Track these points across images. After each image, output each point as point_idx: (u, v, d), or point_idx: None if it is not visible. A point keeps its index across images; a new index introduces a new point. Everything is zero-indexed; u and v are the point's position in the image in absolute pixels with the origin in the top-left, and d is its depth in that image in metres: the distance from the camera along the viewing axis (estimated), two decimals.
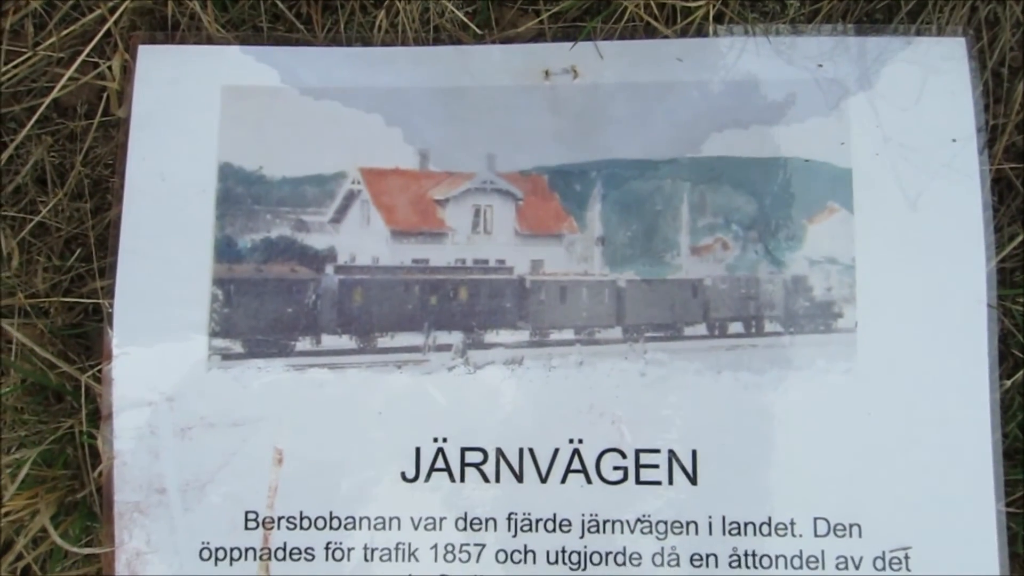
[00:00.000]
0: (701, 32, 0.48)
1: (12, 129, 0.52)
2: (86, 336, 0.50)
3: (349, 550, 0.45)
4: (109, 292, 0.47)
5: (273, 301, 0.46)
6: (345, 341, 0.46)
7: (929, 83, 0.46)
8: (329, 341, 0.46)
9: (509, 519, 0.45)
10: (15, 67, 0.51)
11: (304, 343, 0.46)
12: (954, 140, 0.46)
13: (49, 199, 0.49)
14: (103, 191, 0.51)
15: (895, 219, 0.46)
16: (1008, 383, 0.46)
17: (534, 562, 0.45)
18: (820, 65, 0.47)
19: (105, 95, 0.50)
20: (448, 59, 0.48)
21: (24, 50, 0.50)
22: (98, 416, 0.47)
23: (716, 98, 0.47)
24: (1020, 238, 0.47)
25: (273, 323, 0.46)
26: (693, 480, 0.45)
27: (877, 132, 0.46)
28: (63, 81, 0.50)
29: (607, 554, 0.45)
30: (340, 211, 0.47)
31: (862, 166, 0.46)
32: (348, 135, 0.47)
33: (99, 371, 0.47)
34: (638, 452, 0.45)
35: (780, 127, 0.46)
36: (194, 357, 0.46)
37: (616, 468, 0.45)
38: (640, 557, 0.45)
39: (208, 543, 0.45)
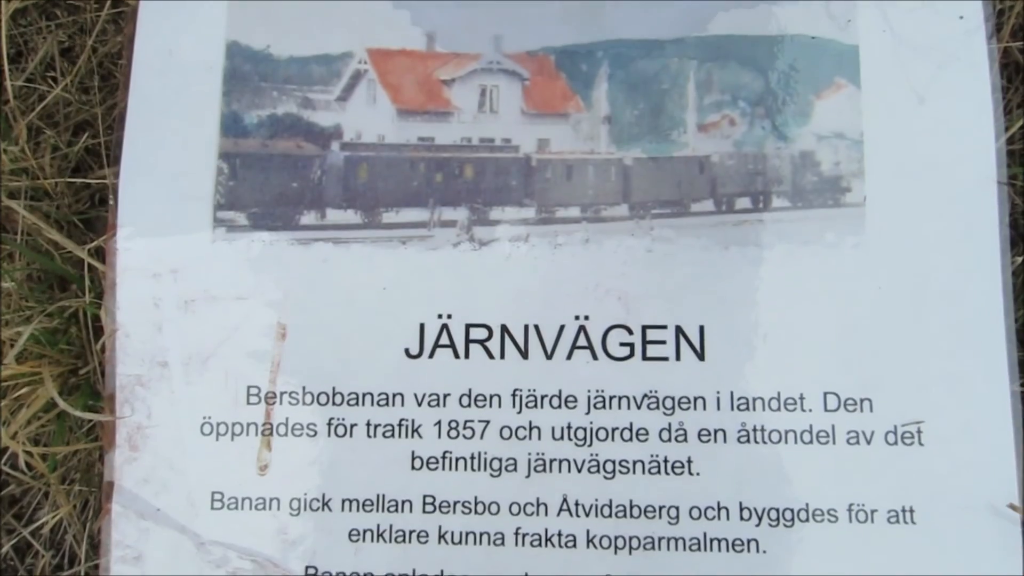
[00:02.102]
0: None
1: (22, 25, 0.53)
2: (91, 225, 0.50)
3: (352, 426, 0.45)
4: (115, 176, 0.47)
5: (278, 175, 0.46)
6: (350, 215, 0.46)
7: None
8: (334, 215, 0.46)
9: (514, 395, 0.45)
10: None
11: (309, 217, 0.46)
12: (961, 17, 0.46)
13: (57, 84, 0.50)
14: (112, 86, 0.52)
15: (903, 95, 0.45)
16: (1020, 260, 0.46)
17: (539, 438, 0.44)
18: None
19: None
20: None
21: None
22: (102, 295, 0.46)
23: None
24: None
25: (278, 197, 0.46)
26: (700, 356, 0.44)
27: (884, 8, 0.46)
28: None
29: (613, 430, 0.44)
30: (347, 90, 0.47)
31: (869, 43, 0.46)
32: (356, 16, 0.47)
33: (102, 248, 0.47)
34: (645, 328, 0.45)
35: (786, 4, 0.46)
36: (199, 229, 0.46)
37: (623, 344, 0.45)
38: (647, 433, 0.44)
39: (209, 417, 0.45)
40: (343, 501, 0.44)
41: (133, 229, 0.46)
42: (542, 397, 0.45)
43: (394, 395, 0.45)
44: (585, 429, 0.44)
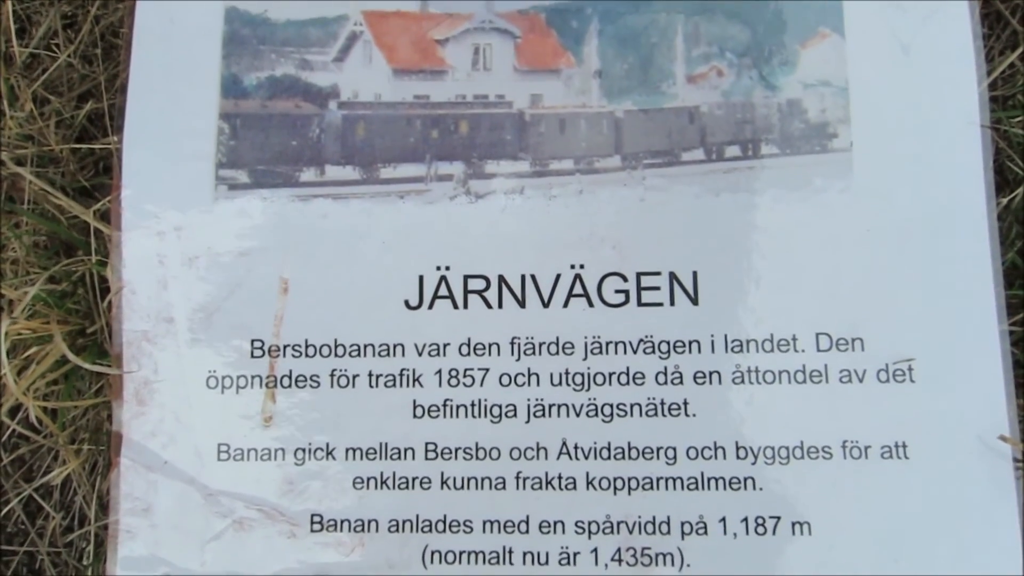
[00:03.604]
0: None
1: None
2: (96, 192, 0.51)
3: (354, 377, 0.46)
4: (119, 142, 0.48)
5: (278, 134, 0.47)
6: (349, 172, 0.47)
7: None
8: (333, 172, 0.47)
9: (512, 343, 0.46)
10: None
11: (308, 174, 0.47)
12: None
13: (62, 51, 0.51)
14: (114, 57, 0.53)
15: (886, 43, 0.46)
16: (1004, 200, 0.47)
17: (537, 384, 0.45)
18: None
19: None
20: None
21: None
22: (108, 256, 0.48)
23: None
24: (1012, 57, 0.48)
25: (278, 155, 0.47)
26: (694, 300, 0.45)
27: None
28: None
29: (610, 374, 0.45)
30: (343, 51, 0.48)
31: None
32: None
33: (107, 212, 0.48)
34: (639, 275, 0.46)
35: None
36: (201, 187, 0.47)
37: (618, 291, 0.46)
38: (644, 376, 0.45)
39: (215, 371, 0.46)
40: (347, 450, 0.45)
41: (137, 189, 0.47)
42: (540, 344, 0.45)
43: (395, 346, 0.46)
44: (583, 374, 0.45)
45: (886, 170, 0.46)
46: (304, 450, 0.45)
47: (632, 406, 0.44)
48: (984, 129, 0.46)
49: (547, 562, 0.44)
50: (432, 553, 0.44)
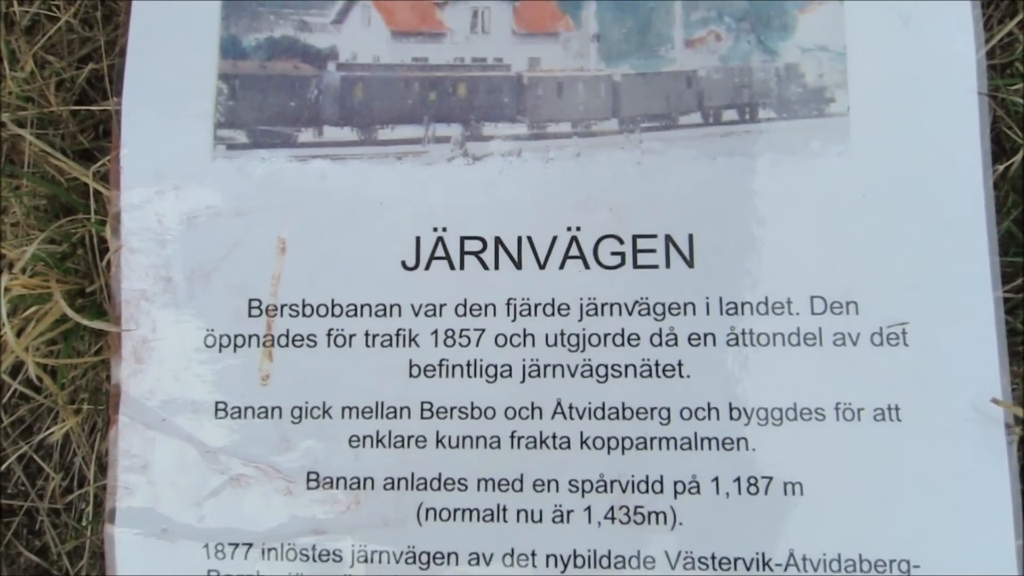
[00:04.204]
0: None
1: None
2: (95, 155, 0.52)
3: (351, 336, 0.46)
4: (118, 104, 0.48)
5: (277, 95, 0.47)
6: (347, 133, 0.47)
7: None
8: (331, 133, 0.47)
9: (508, 304, 0.46)
10: None
11: (307, 134, 0.47)
12: None
13: (62, 14, 0.51)
14: (114, 21, 0.53)
15: (885, 9, 0.46)
16: (1000, 168, 0.47)
17: (533, 345, 0.45)
18: None
19: None
20: None
21: None
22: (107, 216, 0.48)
23: None
24: (1010, 25, 0.48)
25: (277, 115, 0.47)
26: (690, 263, 0.45)
27: None
28: None
29: (605, 336, 0.45)
30: (341, 13, 0.48)
31: None
32: None
33: (107, 174, 0.48)
34: (635, 237, 0.46)
35: None
36: (200, 147, 0.47)
37: (614, 253, 0.46)
38: (639, 337, 0.45)
39: (212, 330, 0.46)
40: (343, 409, 0.45)
41: (136, 149, 0.47)
42: (536, 305, 0.46)
43: (391, 306, 0.46)
44: (578, 335, 0.45)
45: (883, 135, 0.46)
46: (301, 409, 0.45)
47: (626, 367, 0.45)
48: (982, 96, 0.46)
49: (541, 520, 0.44)
50: (427, 510, 0.44)
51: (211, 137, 0.47)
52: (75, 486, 0.52)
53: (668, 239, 0.46)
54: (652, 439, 0.44)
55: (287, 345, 0.46)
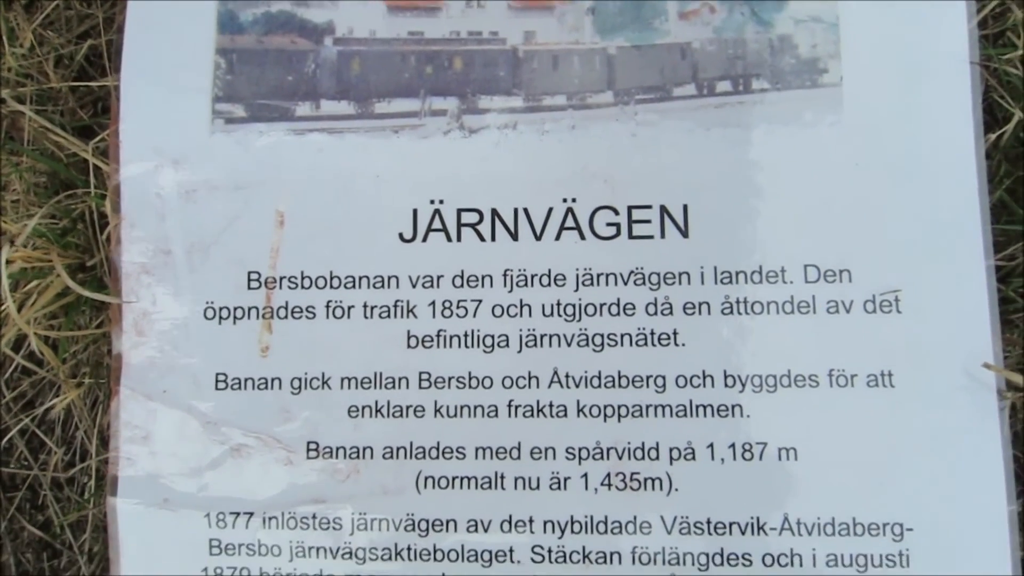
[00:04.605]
0: None
1: None
2: (94, 132, 0.52)
3: (349, 308, 0.46)
4: (117, 80, 0.49)
5: (274, 70, 0.48)
6: (344, 106, 0.47)
7: None
8: (328, 106, 0.47)
9: (505, 275, 0.46)
10: None
11: (304, 108, 0.47)
12: None
13: None
14: (112, 2, 0.53)
15: None
16: (992, 137, 0.47)
17: (529, 315, 0.46)
18: None
19: None
20: None
21: None
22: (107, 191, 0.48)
23: None
24: None
25: (274, 89, 0.48)
26: (685, 233, 0.46)
27: None
28: None
29: (601, 305, 0.46)
30: None
31: None
32: None
33: (106, 149, 0.48)
34: (630, 208, 0.46)
35: None
36: (198, 121, 0.47)
37: (609, 224, 0.46)
38: (634, 307, 0.45)
39: (212, 302, 0.47)
40: (342, 379, 0.46)
41: (135, 123, 0.47)
42: (532, 276, 0.46)
43: (389, 278, 0.46)
44: (574, 305, 0.46)
45: (876, 105, 0.46)
46: (300, 380, 0.46)
47: (622, 336, 0.45)
48: (974, 66, 0.47)
49: (538, 487, 0.44)
50: (426, 479, 0.45)
51: (209, 111, 0.47)
52: (77, 459, 0.53)
53: (663, 210, 0.46)
54: (648, 407, 0.45)
55: (286, 317, 0.46)
